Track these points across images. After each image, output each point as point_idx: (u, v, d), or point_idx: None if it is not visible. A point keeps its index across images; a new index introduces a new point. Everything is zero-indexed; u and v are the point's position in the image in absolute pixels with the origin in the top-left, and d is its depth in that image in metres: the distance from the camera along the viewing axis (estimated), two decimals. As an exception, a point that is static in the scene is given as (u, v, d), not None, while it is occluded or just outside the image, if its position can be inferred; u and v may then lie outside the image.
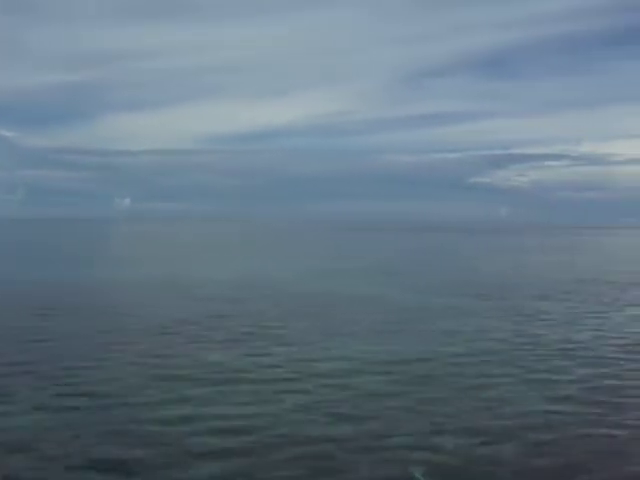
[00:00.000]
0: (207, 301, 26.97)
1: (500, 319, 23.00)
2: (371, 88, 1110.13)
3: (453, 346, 18.16)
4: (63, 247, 76.28)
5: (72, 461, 9.70)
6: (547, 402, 12.88)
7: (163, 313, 23.34)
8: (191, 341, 18.43)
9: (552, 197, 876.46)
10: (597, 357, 17.02)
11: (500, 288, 32.91)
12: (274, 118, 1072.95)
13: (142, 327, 20.57)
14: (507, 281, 36.73)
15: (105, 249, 75.02)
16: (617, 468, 9.75)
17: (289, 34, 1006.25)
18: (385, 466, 9.68)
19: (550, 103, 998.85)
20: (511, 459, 10.00)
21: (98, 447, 10.26)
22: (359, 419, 11.71)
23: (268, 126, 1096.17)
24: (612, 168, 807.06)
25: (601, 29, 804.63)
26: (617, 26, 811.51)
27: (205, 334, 19.51)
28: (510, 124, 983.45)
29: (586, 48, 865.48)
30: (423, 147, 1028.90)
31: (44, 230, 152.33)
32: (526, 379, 14.62)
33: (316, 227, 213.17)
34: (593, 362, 16.41)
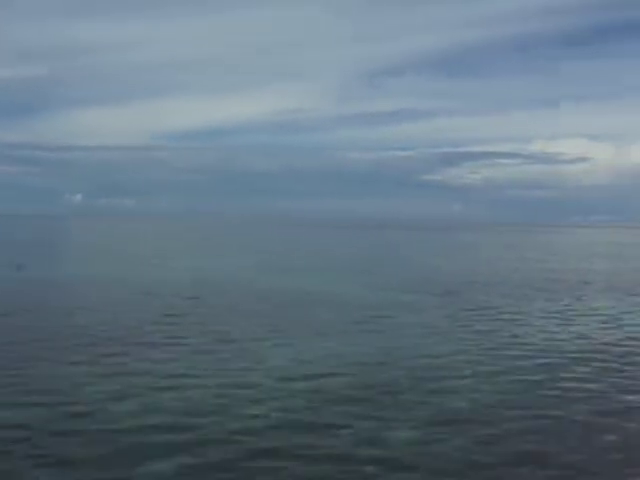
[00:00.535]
0: (150, 299, 26.29)
1: (453, 315, 23.03)
2: (327, 85, 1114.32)
3: (404, 342, 18.04)
4: None
5: (21, 459, 9.37)
6: (498, 394, 12.86)
7: (102, 313, 22.63)
8: (132, 341, 17.69)
9: (503, 195, 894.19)
10: (541, 351, 17.17)
11: (453, 285, 33.02)
12: (230, 114, 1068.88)
13: (77, 327, 19.83)
14: (460, 278, 36.96)
15: (38, 246, 71.96)
16: (564, 458, 9.77)
17: (246, 30, 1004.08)
18: (334, 463, 9.47)
19: (502, 102, 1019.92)
20: (460, 453, 9.87)
21: (49, 445, 9.90)
22: (308, 417, 11.45)
23: (224, 122, 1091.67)
24: (561, 167, 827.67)
25: (553, 30, 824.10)
26: (568, 27, 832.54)
27: (147, 334, 18.75)
28: (463, 122, 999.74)
29: (538, 48, 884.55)
30: (378, 144, 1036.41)
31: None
32: (481, 372, 14.64)
33: (271, 224, 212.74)
34: (539, 356, 16.53)
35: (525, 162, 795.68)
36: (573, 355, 16.70)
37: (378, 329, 20.21)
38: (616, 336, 19.49)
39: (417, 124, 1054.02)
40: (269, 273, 38.21)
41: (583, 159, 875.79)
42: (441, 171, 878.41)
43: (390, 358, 16.05)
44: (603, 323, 21.93)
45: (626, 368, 15.42)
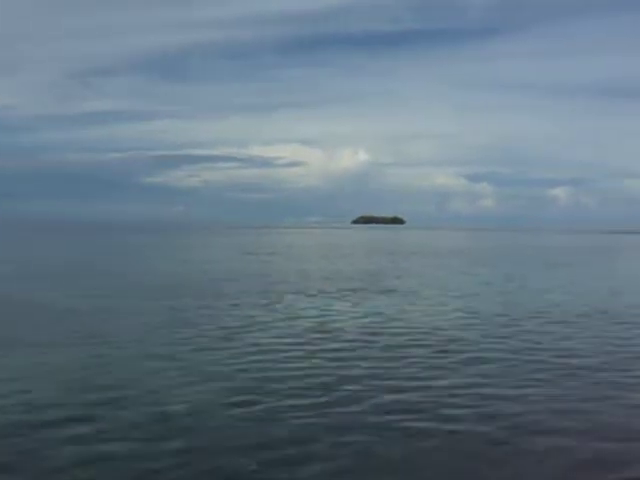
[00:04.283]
0: None
1: (175, 318, 23.14)
2: (37, 83, 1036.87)
3: (109, 349, 17.64)
4: None
5: None
6: (212, 398, 13.09)
7: None
8: None
9: (223, 197, 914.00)
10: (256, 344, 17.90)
11: (172, 287, 33.07)
12: None
13: None
14: (178, 280, 36.99)
15: None
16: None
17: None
18: None
19: (220, 106, 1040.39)
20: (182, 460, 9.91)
21: None
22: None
23: None
24: (277, 170, 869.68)
25: (269, 38, 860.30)
26: (283, 36, 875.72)
27: None
28: (182, 125, 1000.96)
29: (255, 55, 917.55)
30: (95, 146, 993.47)
31: None
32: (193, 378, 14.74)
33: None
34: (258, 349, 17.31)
35: (243, 166, 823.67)
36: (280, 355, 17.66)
37: (83, 333, 19.35)
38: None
39: (134, 126, 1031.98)
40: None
41: (297, 163, 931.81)
42: (162, 173, 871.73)
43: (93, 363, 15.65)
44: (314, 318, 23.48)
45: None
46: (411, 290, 33.82)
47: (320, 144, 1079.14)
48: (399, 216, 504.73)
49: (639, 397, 13.95)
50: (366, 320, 23.40)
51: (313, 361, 16.56)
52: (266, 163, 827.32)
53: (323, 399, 13.13)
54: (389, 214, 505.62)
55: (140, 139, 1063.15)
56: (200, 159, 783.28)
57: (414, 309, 26.73)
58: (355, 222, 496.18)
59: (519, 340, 20.00)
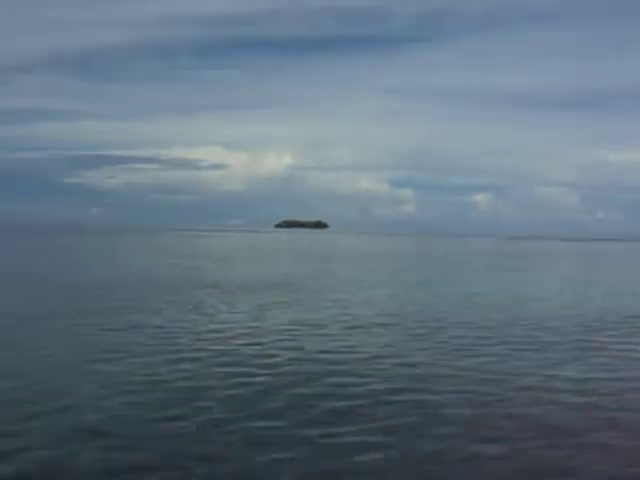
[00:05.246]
0: None
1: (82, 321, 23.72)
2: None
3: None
4: None
5: None
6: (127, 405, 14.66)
7: None
8: None
9: (144, 199, 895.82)
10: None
11: (89, 288, 33.63)
12: None
13: None
14: (90, 284, 37.50)
15: None
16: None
17: None
18: None
19: (142, 107, 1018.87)
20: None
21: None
22: None
23: None
24: (199, 173, 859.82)
25: (191, 39, 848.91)
26: (206, 37, 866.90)
27: None
28: (102, 125, 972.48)
29: (177, 56, 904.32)
30: (13, 144, 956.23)
31: None
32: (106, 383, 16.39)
33: None
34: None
35: (165, 168, 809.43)
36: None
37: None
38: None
39: (54, 125, 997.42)
40: None
41: (220, 166, 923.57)
42: (81, 174, 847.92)
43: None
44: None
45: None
46: (327, 294, 34.17)
47: (243, 147, 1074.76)
48: (323, 220, 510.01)
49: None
50: (281, 327, 23.13)
51: (235, 370, 16.30)
52: (188, 165, 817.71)
53: (243, 413, 12.73)
54: (313, 218, 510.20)
55: (60, 139, 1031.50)
56: (121, 160, 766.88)
57: (329, 315, 26.55)
58: (278, 226, 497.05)
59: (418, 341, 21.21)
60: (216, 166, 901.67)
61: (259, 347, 19.41)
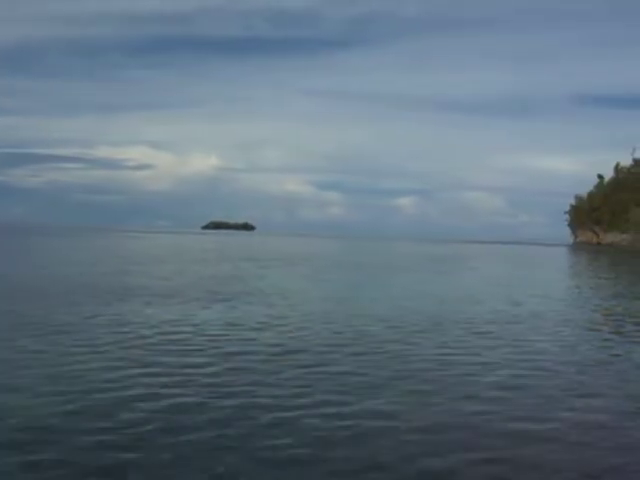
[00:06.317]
0: None
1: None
2: None
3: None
4: None
5: None
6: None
7: None
8: None
9: (69, 198, 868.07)
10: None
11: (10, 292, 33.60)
12: None
13: None
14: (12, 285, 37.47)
15: None
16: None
17: None
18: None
19: (67, 105, 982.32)
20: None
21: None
22: None
23: None
24: (126, 173, 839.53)
25: (120, 36, 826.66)
26: (134, 35, 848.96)
27: None
28: (24, 123, 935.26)
29: (103, 54, 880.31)
30: None
31: None
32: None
33: None
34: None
35: (90, 167, 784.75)
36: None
37: None
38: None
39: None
40: None
41: (146, 166, 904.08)
42: (4, 172, 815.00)
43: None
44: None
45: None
46: (252, 297, 34.05)
47: (170, 147, 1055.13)
48: (249, 222, 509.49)
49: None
50: (204, 329, 23.10)
51: (178, 377, 15.87)
52: (114, 165, 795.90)
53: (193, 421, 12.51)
54: (240, 220, 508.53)
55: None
56: (44, 158, 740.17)
57: (252, 317, 26.48)
58: (205, 227, 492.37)
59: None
60: (142, 166, 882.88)
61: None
